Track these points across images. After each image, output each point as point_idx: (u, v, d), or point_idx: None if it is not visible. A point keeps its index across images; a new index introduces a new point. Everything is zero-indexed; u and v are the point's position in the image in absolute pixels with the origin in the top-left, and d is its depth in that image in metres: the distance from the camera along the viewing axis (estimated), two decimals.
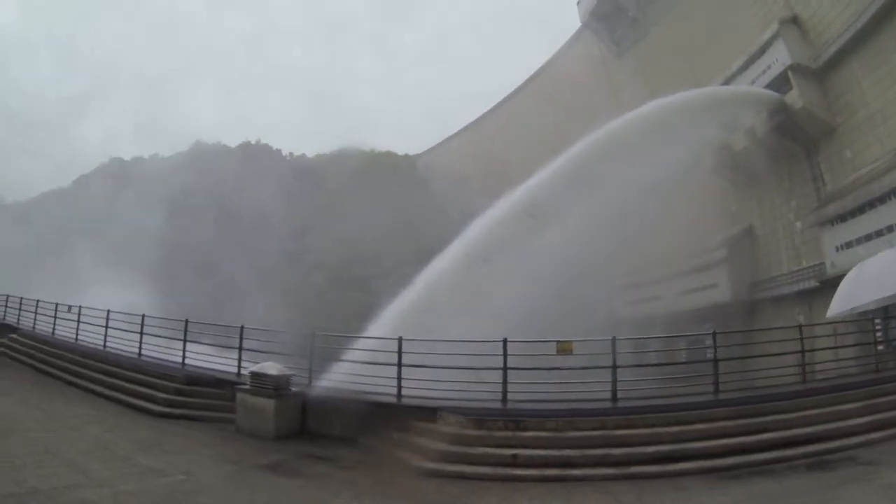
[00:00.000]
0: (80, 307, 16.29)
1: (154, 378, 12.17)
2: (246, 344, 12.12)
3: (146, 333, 14.07)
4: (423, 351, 10.49)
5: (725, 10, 32.26)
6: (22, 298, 19.26)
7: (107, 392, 12.08)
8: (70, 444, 8.07)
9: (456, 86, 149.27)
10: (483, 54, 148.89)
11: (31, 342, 16.37)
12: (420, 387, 10.21)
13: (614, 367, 9.94)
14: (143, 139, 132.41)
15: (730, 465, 7.67)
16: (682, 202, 26.03)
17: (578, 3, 49.33)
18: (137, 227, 48.11)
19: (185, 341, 13.08)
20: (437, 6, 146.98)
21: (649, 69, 38.32)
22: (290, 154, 70.41)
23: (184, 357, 12.96)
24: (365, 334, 13.62)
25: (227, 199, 54.92)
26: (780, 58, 26.47)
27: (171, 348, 13.36)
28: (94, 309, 15.80)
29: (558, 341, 9.99)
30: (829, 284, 21.41)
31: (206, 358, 12.75)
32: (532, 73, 59.73)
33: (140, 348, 14.00)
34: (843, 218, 23.31)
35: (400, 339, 10.42)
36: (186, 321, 13.19)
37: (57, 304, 17.25)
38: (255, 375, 10.24)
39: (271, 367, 10.30)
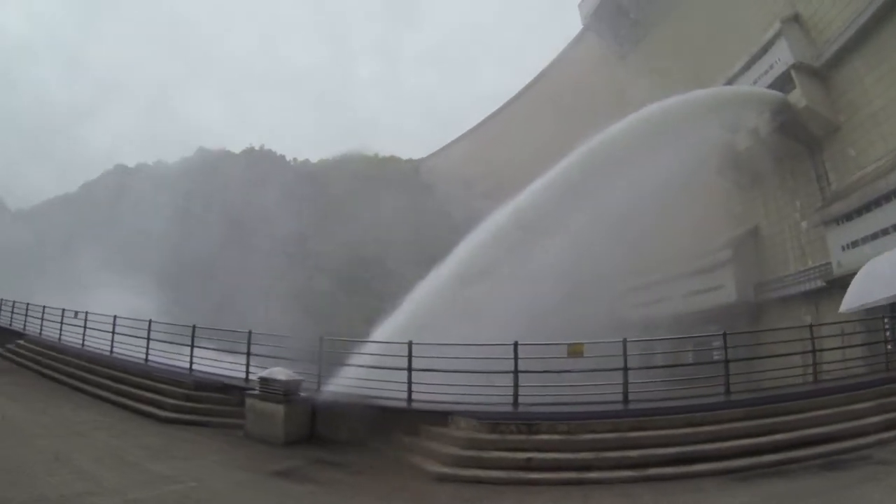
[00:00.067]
0: (86, 312, 16.29)
1: (162, 383, 12.11)
2: (253, 349, 12.14)
3: (153, 339, 14.04)
4: (432, 355, 10.43)
5: (727, 9, 32.23)
6: (28, 304, 19.26)
7: (114, 398, 12.02)
8: (79, 450, 8.04)
9: (459, 89, 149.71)
10: (486, 58, 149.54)
11: (38, 348, 16.30)
12: (430, 391, 10.15)
13: (625, 369, 9.88)
14: (148, 145, 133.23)
15: (744, 467, 7.60)
16: (686, 204, 25.77)
17: (580, 4, 49.44)
18: (142, 233, 48.42)
19: (192, 346, 13.07)
20: (439, 11, 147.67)
21: (652, 70, 38.25)
22: (294, 159, 70.87)
23: (191, 362, 12.99)
24: (371, 338, 13.58)
25: (232, 205, 55.20)
26: (782, 57, 26.39)
27: (178, 353, 13.35)
28: (101, 314, 15.82)
29: (569, 344, 9.94)
30: (836, 284, 21.32)
31: (214, 363, 12.74)
32: (535, 75, 59.89)
33: (147, 354, 13.97)
34: (848, 217, 23.16)
35: (410, 343, 10.39)
36: (194, 327, 13.20)
37: (63, 310, 17.20)
38: (264, 381, 10.22)
39: (280, 373, 10.27)
